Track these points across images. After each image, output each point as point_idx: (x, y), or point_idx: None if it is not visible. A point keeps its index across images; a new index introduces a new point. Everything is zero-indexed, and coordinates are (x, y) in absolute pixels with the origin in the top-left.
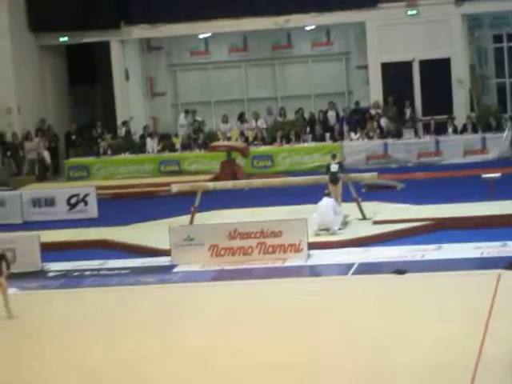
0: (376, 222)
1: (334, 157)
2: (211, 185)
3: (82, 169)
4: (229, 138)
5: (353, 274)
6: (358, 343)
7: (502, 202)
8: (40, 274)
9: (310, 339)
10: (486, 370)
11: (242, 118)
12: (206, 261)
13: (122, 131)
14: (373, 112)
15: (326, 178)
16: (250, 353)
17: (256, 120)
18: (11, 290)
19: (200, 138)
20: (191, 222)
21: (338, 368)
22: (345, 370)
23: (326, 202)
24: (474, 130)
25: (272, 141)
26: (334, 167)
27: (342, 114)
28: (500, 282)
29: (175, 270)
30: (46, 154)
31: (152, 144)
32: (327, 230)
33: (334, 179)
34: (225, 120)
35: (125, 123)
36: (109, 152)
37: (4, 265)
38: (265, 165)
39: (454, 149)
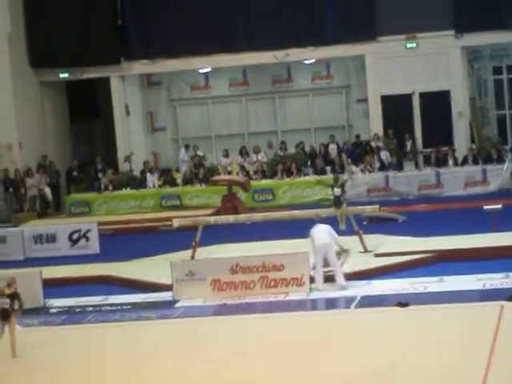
0: (378, 255)
1: (336, 180)
2: (212, 219)
3: (83, 205)
4: (229, 172)
5: (355, 307)
6: (360, 377)
7: (503, 233)
8: (42, 311)
9: (313, 373)
10: None
11: (242, 152)
12: (208, 295)
13: (125, 166)
14: (373, 144)
15: (328, 209)
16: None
17: (257, 154)
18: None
19: (201, 173)
20: (193, 256)
21: None
22: None
23: (321, 228)
24: (475, 162)
25: (273, 174)
26: (337, 191)
27: (342, 146)
28: (503, 314)
29: (177, 305)
30: (48, 190)
31: (152, 179)
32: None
33: (338, 202)
34: (225, 154)
35: (127, 158)
36: (110, 187)
37: (16, 303)
38: (266, 198)
39: (455, 181)
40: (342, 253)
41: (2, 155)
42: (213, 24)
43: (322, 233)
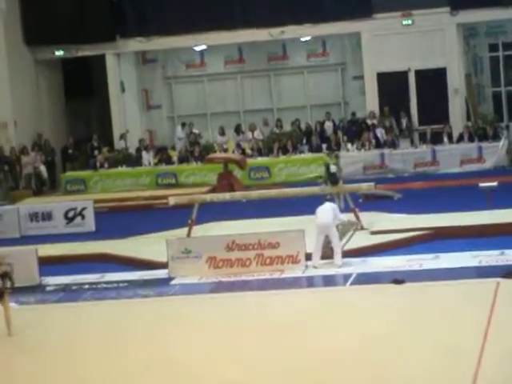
0: (373, 233)
1: (331, 157)
2: (208, 197)
3: (78, 182)
4: (225, 150)
5: (351, 284)
6: (356, 354)
7: (499, 210)
8: (38, 289)
9: (309, 350)
10: (485, 380)
11: (238, 129)
12: (204, 273)
13: (120, 144)
14: (369, 122)
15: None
16: (250, 363)
17: (252, 132)
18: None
19: (196, 151)
20: (188, 234)
21: (337, 379)
22: (345, 381)
23: (327, 206)
24: (471, 139)
25: (269, 152)
26: (333, 168)
27: (338, 124)
28: (498, 291)
29: (173, 282)
30: (43, 168)
31: (148, 157)
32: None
33: (334, 181)
34: (221, 132)
35: (123, 136)
36: (105, 165)
37: (8, 282)
38: (262, 176)
39: (451, 158)
40: (351, 226)
41: None
42: (208, 1)
43: (324, 212)
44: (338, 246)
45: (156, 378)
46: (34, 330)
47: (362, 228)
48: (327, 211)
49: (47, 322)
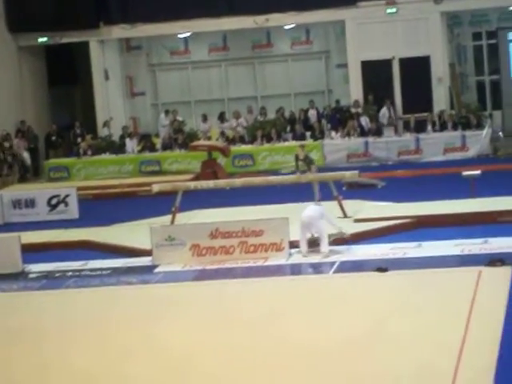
0: (357, 220)
1: (302, 147)
2: (192, 184)
3: (62, 170)
4: (209, 138)
5: (334, 272)
6: (337, 343)
7: (482, 199)
8: (21, 276)
9: (292, 339)
10: (466, 370)
11: (222, 117)
12: (188, 260)
13: (104, 131)
14: (353, 110)
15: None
16: (234, 351)
17: (236, 119)
18: None
19: (180, 138)
20: (172, 221)
21: (321, 368)
22: (326, 371)
23: (314, 206)
24: (454, 128)
25: (253, 140)
26: (302, 154)
27: (322, 112)
28: (481, 279)
29: (156, 270)
30: (26, 155)
31: (132, 144)
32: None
33: (310, 161)
34: (204, 119)
35: (106, 123)
36: (89, 153)
37: None
38: (246, 164)
39: (434, 146)
40: (339, 235)
41: None
42: None
43: (310, 209)
44: (323, 234)
45: (137, 365)
46: (16, 317)
47: (346, 216)
48: (313, 209)
49: (30, 309)
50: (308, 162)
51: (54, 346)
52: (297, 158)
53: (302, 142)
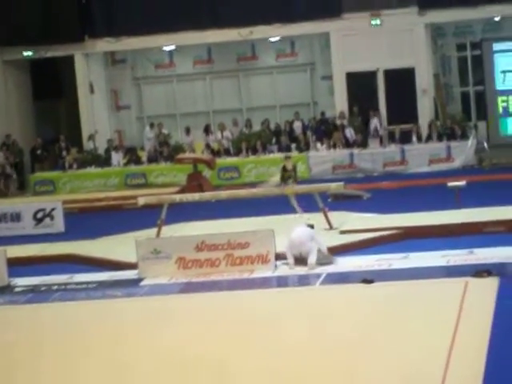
0: (343, 232)
1: (289, 158)
2: (178, 197)
3: (47, 183)
4: (193, 150)
5: (321, 284)
6: (322, 354)
7: (467, 210)
8: (7, 290)
9: (275, 350)
10: (454, 379)
11: (207, 129)
12: (174, 273)
13: (89, 145)
14: (338, 122)
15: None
16: (220, 363)
17: (222, 132)
18: None
19: (166, 151)
20: (158, 234)
21: (306, 379)
22: (313, 381)
23: (304, 228)
24: (439, 139)
25: (238, 152)
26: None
27: (307, 124)
28: (467, 290)
29: (142, 283)
30: (11, 169)
31: (117, 157)
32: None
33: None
34: (187, 132)
35: (91, 137)
36: (74, 166)
37: None
38: (231, 176)
39: (419, 158)
40: (325, 260)
41: None
42: (177, 1)
43: (299, 230)
44: (314, 252)
45: (129, 376)
46: (1, 331)
47: (331, 228)
48: (303, 231)
49: (17, 323)
50: (295, 173)
51: (42, 360)
52: (284, 170)
53: (288, 154)
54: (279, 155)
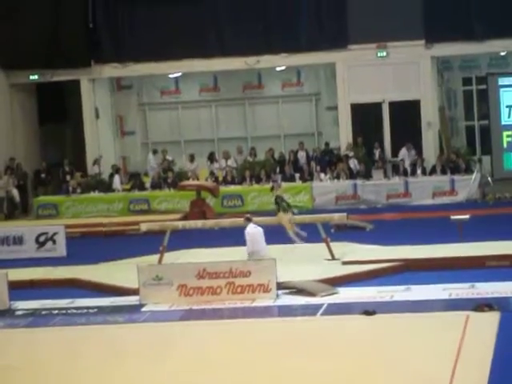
0: (345, 263)
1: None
2: (180, 224)
3: (51, 207)
4: (197, 178)
5: (321, 314)
6: None
7: (470, 243)
8: (7, 313)
9: (275, 379)
10: None
11: (212, 157)
12: (175, 300)
13: (93, 169)
14: (344, 153)
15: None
16: None
17: (226, 160)
18: None
19: (170, 177)
20: (160, 261)
21: None
22: None
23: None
24: (443, 172)
25: (242, 180)
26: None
27: (312, 154)
28: (468, 324)
29: (143, 309)
30: (15, 192)
31: (118, 179)
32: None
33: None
34: (191, 159)
35: (96, 161)
36: (78, 190)
37: None
38: (235, 204)
39: (423, 190)
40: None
41: None
42: (184, 29)
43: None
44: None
45: None
46: (1, 354)
47: (334, 258)
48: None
49: (16, 347)
50: (280, 202)
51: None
52: (282, 200)
53: (276, 180)
54: (283, 184)
